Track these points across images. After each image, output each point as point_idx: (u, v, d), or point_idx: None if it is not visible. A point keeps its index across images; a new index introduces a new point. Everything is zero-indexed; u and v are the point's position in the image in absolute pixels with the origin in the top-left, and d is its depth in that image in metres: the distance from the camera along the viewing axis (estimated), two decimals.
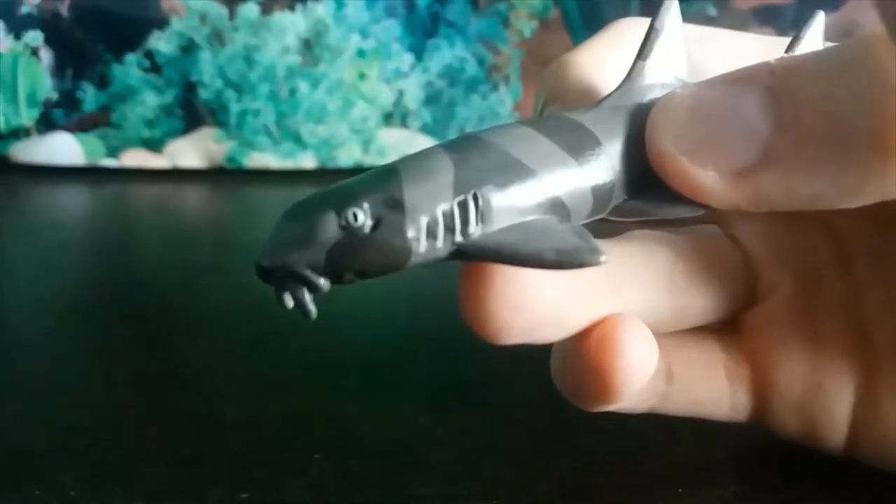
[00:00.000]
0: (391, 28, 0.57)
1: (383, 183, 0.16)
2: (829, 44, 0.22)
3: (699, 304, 0.21)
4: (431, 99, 0.58)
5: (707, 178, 0.17)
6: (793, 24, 0.20)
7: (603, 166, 0.18)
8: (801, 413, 0.21)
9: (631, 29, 0.22)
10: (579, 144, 0.18)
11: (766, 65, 0.17)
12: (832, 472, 0.21)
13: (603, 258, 0.16)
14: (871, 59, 0.16)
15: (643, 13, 0.23)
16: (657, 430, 0.22)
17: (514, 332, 0.18)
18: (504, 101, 0.58)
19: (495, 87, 0.58)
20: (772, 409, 0.21)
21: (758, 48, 0.22)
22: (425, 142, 0.58)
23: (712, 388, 0.21)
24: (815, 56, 0.17)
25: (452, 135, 0.58)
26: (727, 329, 0.22)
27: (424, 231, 0.16)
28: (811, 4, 0.40)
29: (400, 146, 0.58)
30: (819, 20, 0.21)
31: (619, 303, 0.19)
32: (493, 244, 0.16)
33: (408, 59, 0.58)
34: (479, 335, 0.18)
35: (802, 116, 0.16)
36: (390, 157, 0.58)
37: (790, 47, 0.21)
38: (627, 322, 0.19)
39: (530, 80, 0.58)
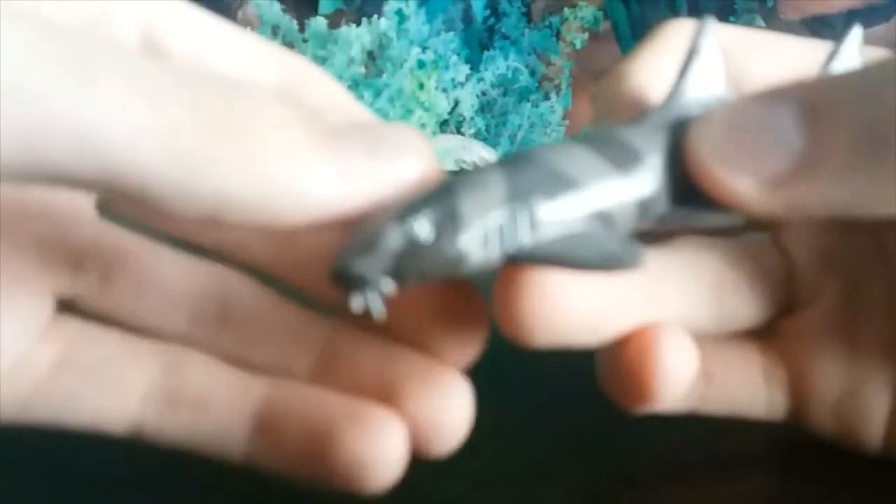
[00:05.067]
0: (449, 41, 0.59)
1: (442, 197, 0.17)
2: (870, 49, 0.22)
3: (745, 310, 0.21)
4: (485, 107, 0.60)
5: (743, 186, 0.17)
6: (843, 35, 0.20)
7: (646, 179, 0.18)
8: (838, 415, 0.21)
9: (680, 32, 0.23)
10: (623, 158, 0.18)
11: (802, 82, 0.18)
12: (870, 467, 0.21)
13: (643, 261, 0.17)
14: None
15: None
16: (697, 423, 0.21)
17: (543, 338, 0.18)
18: (555, 109, 0.59)
19: (546, 97, 0.59)
20: (808, 411, 0.21)
21: (802, 52, 0.22)
22: (478, 147, 0.60)
23: (750, 390, 0.21)
24: (847, 74, 0.18)
25: (505, 141, 0.61)
26: (764, 332, 0.22)
27: (479, 241, 0.17)
28: (861, 14, 0.39)
29: (454, 151, 0.60)
30: (856, 34, 0.21)
31: (665, 310, 0.19)
32: (543, 251, 0.17)
33: (464, 69, 0.59)
34: (511, 339, 0.18)
35: (835, 128, 0.17)
36: (445, 162, 0.60)
37: (828, 61, 0.21)
38: (668, 330, 0.19)
39: (580, 90, 0.59)
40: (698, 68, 0.20)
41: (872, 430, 0.20)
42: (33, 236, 0.19)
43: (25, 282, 0.19)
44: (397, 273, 0.16)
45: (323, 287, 0.19)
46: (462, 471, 0.21)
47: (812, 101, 0.17)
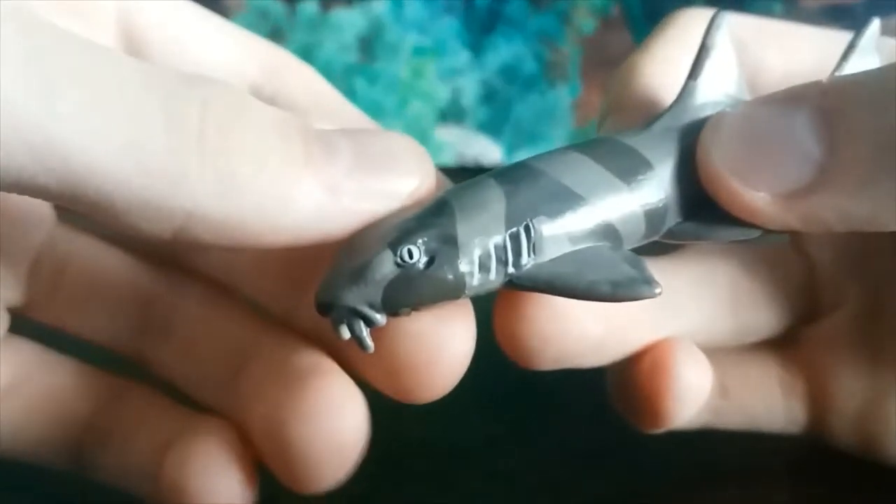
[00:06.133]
0: (449, 25, 0.57)
1: (437, 218, 0.16)
2: (888, 40, 0.21)
3: (762, 321, 0.21)
4: (488, 97, 0.57)
5: (759, 200, 0.17)
6: (864, 24, 0.21)
7: (655, 190, 0.18)
8: (859, 426, 0.21)
9: (692, 22, 0.22)
10: (631, 169, 0.17)
11: (818, 84, 0.17)
12: (888, 479, 0.21)
13: (658, 290, 0.16)
14: None
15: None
16: (711, 436, 0.21)
17: (548, 361, 0.18)
18: (562, 99, 0.57)
19: (553, 85, 0.57)
20: (828, 423, 0.21)
21: (819, 43, 0.22)
22: (480, 140, 0.58)
23: (767, 403, 0.21)
24: (867, 77, 0.17)
25: (508, 133, 0.58)
26: (782, 341, 0.22)
27: (477, 264, 0.16)
28: (883, 3, 0.39)
29: (455, 144, 0.58)
30: (874, 28, 0.21)
31: (676, 324, 0.19)
32: (546, 276, 0.16)
33: (465, 56, 0.57)
34: (514, 361, 0.18)
35: (855, 138, 0.16)
36: (445, 155, 0.58)
37: (845, 55, 0.20)
38: (680, 348, 0.18)
39: (590, 79, 0.57)
40: (711, 66, 0.19)
41: (894, 440, 0.20)
42: None
43: None
44: (389, 303, 0.15)
45: (270, 295, 0.18)
46: (507, 470, 0.21)
47: (829, 108, 0.16)
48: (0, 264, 0.18)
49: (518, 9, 0.57)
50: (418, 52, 0.57)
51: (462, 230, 0.16)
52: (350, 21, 0.57)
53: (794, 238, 0.22)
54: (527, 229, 0.16)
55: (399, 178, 0.16)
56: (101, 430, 0.19)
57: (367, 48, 0.58)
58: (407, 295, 0.16)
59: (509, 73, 0.57)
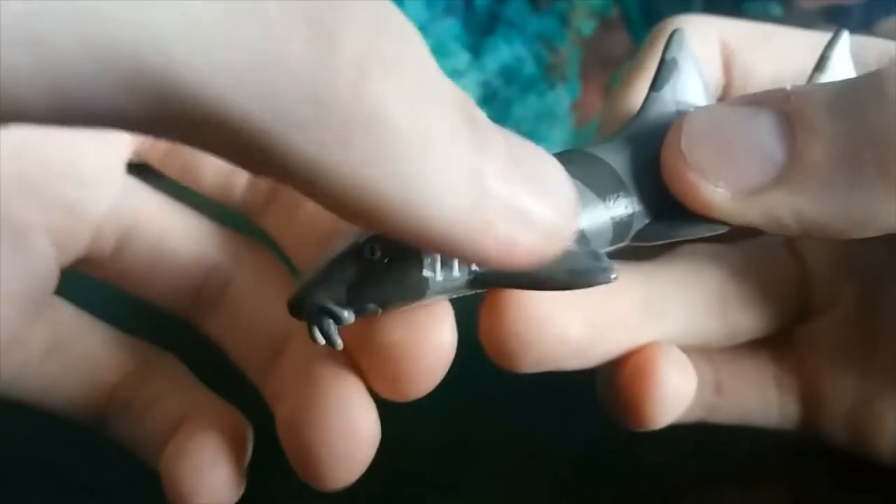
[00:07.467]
0: (449, 27, 0.57)
1: None
2: (883, 42, 0.21)
3: (752, 321, 0.21)
4: (488, 98, 0.57)
5: (717, 196, 0.17)
6: (862, 24, 0.20)
7: (621, 194, 0.18)
8: (851, 425, 0.21)
9: (687, 30, 0.22)
10: (593, 172, 0.18)
11: (782, 90, 0.17)
12: (888, 478, 0.20)
13: (614, 276, 0.16)
14: (883, 93, 0.16)
15: (706, 9, 0.23)
16: (710, 436, 0.21)
17: (529, 364, 0.18)
18: (561, 100, 0.57)
19: (552, 87, 0.57)
20: (821, 421, 0.21)
21: (808, 47, 0.22)
22: None
23: (761, 400, 0.22)
24: (830, 87, 0.17)
25: None
26: (776, 340, 0.22)
27: (439, 262, 0.16)
28: (881, 4, 0.39)
29: None
30: (844, 39, 0.21)
31: (663, 326, 0.19)
32: (508, 270, 0.16)
33: (465, 58, 0.57)
34: (498, 364, 0.18)
35: (815, 143, 0.16)
36: None
37: (818, 66, 0.21)
38: (664, 352, 0.19)
39: (589, 80, 0.57)
40: (673, 78, 0.19)
41: (886, 439, 0.20)
42: (55, 198, 0.18)
43: (38, 248, 0.18)
44: (355, 299, 0.15)
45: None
46: (506, 469, 0.22)
47: (792, 112, 0.16)
48: (67, 228, 0.19)
49: (518, 10, 0.57)
50: None
51: None
52: None
53: (789, 239, 0.22)
54: None
55: (546, 207, 0.13)
56: (122, 400, 0.19)
57: None
58: (371, 291, 0.16)
59: (509, 74, 0.57)
